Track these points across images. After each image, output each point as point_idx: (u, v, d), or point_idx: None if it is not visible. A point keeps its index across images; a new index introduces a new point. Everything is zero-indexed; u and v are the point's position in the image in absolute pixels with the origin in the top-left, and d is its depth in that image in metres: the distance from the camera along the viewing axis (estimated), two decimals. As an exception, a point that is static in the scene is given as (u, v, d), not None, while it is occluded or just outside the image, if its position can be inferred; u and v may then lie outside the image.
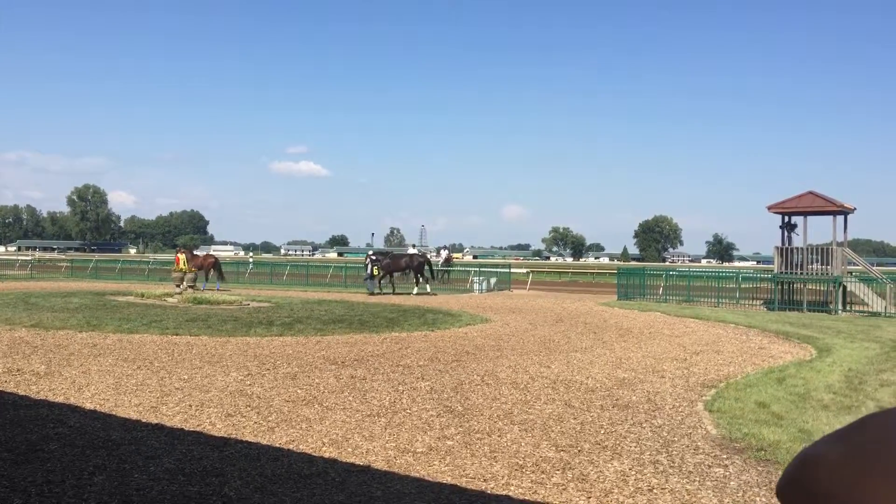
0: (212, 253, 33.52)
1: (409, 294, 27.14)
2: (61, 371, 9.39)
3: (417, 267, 27.82)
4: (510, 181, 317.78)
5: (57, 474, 5.20)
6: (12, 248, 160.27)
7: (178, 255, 27.16)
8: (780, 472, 0.68)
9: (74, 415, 7.06)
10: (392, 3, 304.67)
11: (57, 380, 8.80)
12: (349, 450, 6.09)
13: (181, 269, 23.91)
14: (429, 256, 41.60)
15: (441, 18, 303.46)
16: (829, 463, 0.62)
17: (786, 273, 23.85)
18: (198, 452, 5.86)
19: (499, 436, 6.67)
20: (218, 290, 26.45)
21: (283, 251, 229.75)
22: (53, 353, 10.95)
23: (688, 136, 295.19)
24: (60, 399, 7.76)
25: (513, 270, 39.14)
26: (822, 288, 24.21)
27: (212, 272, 28.23)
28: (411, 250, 42.42)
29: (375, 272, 27.45)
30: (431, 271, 29.16)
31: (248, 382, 8.94)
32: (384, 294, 26.96)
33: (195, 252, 29.91)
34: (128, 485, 5.03)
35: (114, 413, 7.19)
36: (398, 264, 27.88)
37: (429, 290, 28.05)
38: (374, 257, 27.99)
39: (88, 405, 7.51)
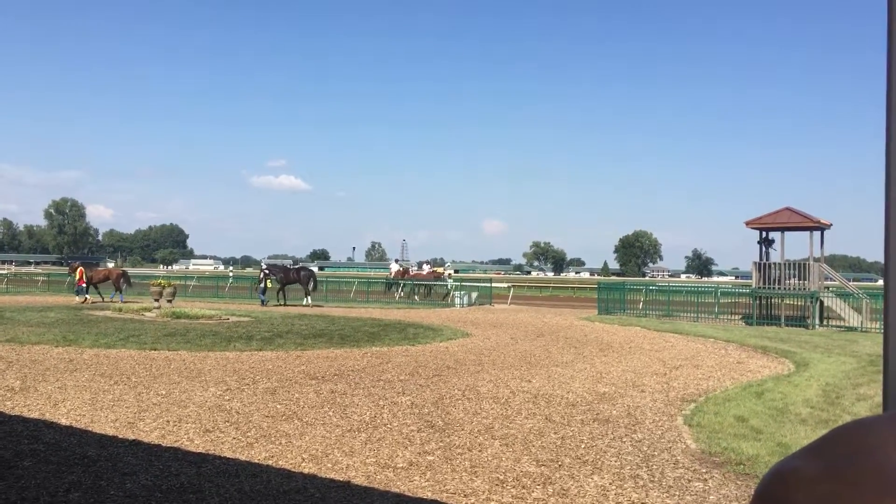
0: (117, 266, 33.85)
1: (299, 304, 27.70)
2: (37, 386, 9.26)
3: (303, 279, 29.60)
4: (490, 196, 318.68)
5: (31, 491, 5.11)
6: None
7: (79, 268, 27.51)
8: (756, 485, 0.68)
9: (50, 431, 6.96)
10: (372, 18, 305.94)
11: (32, 395, 8.67)
12: (329, 465, 6.05)
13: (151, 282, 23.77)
14: (411, 271, 41.59)
15: (421, 32, 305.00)
16: (803, 478, 0.62)
17: (764, 288, 24.09)
18: (175, 469, 5.80)
19: (479, 451, 6.66)
20: (122, 301, 26.72)
21: (263, 265, 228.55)
22: (29, 368, 10.79)
23: (667, 151, 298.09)
24: (35, 415, 7.65)
25: (494, 285, 39.14)
26: (799, 303, 24.46)
27: (121, 283, 28.53)
28: (394, 265, 42.42)
29: (269, 284, 29.15)
30: (314, 284, 30.69)
31: (227, 398, 8.86)
32: (280, 305, 28.14)
33: (88, 265, 30.14)
34: (104, 502, 4.96)
35: (90, 429, 7.09)
36: (288, 277, 29.82)
37: (309, 302, 29.11)
38: (267, 271, 29.84)
39: (64, 421, 7.41)
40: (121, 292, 27.95)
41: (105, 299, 27.49)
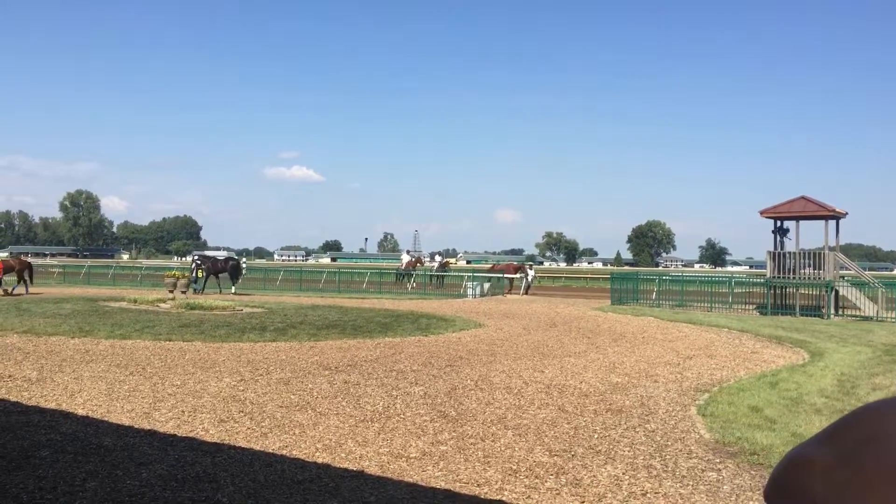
0: (24, 258, 33.81)
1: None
2: (53, 377, 9.35)
3: (231, 269, 31.59)
4: (503, 186, 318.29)
5: (49, 481, 5.17)
6: (4, 254, 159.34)
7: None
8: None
9: (66, 421, 7.03)
10: (385, 7, 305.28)
11: (49, 386, 8.76)
12: (342, 455, 6.08)
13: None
14: (425, 262, 41.70)
15: (434, 22, 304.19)
16: (817, 467, 0.62)
17: (778, 278, 23.94)
18: (190, 458, 5.84)
19: (492, 441, 6.67)
20: (26, 293, 26.38)
21: (276, 256, 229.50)
22: (45, 359, 10.89)
23: (681, 140, 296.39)
24: (52, 405, 7.72)
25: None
26: (814, 292, 24.30)
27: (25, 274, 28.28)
28: (405, 256, 42.53)
29: (200, 274, 30.94)
30: (239, 274, 32.45)
31: (242, 388, 8.91)
32: (208, 293, 29.09)
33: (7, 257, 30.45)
34: (120, 491, 5.01)
35: (106, 419, 7.16)
36: (216, 267, 31.82)
37: (233, 291, 30.60)
38: (198, 261, 31.82)
39: (80, 411, 7.47)
40: (26, 283, 27.63)
41: (9, 291, 26.87)
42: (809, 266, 23.54)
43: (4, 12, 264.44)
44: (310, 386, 9.14)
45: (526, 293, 34.42)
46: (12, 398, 8.03)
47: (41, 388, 8.65)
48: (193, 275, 30.60)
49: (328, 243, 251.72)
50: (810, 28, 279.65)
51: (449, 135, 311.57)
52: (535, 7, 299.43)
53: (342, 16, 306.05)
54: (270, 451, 6.16)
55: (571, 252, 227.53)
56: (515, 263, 40.88)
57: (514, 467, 5.85)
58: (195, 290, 29.82)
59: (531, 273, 36.60)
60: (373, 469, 5.71)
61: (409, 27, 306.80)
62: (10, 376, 9.33)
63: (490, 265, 41.08)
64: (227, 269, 31.24)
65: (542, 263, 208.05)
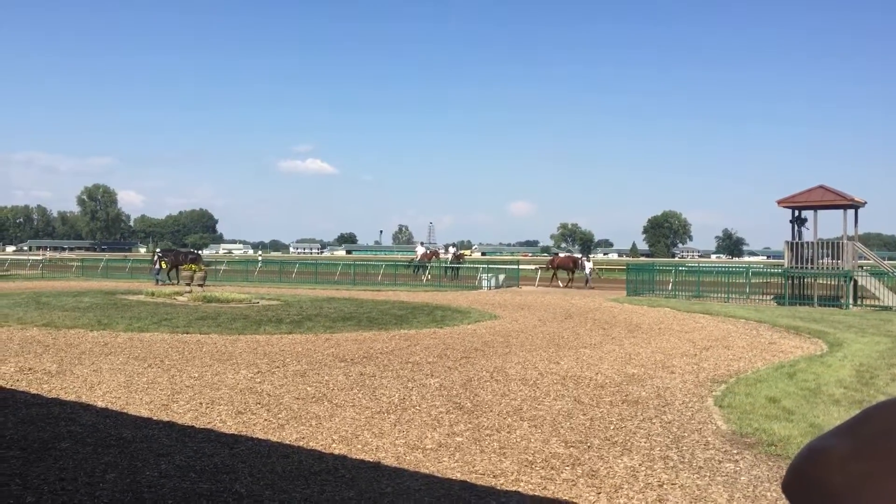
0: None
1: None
2: (73, 370, 9.45)
3: (192, 261, 32.92)
4: (517, 178, 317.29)
5: (69, 472, 5.23)
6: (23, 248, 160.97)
7: None
8: (789, 467, 0.68)
9: (86, 413, 7.10)
10: (397, 1, 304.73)
11: (69, 378, 8.86)
12: (359, 447, 6.11)
13: (194, 268, 24.13)
14: (440, 255, 41.81)
15: (446, 15, 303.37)
16: (836, 458, 0.61)
17: (796, 268, 23.74)
18: (209, 450, 5.89)
19: (508, 432, 6.67)
20: None
21: (291, 249, 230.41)
22: (65, 351, 11.01)
23: (697, 130, 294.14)
24: (72, 397, 7.81)
25: (521, 267, 39.08)
26: (832, 282, 24.07)
27: None
28: (420, 248, 42.63)
29: (164, 265, 33.02)
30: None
31: (258, 380, 8.97)
32: (170, 283, 30.41)
33: None
34: (139, 482, 5.06)
35: (125, 411, 7.23)
36: (177, 260, 33.63)
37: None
38: (160, 254, 34.27)
39: (100, 403, 7.55)
40: None
41: None
42: (828, 256, 23.32)
43: (20, 11, 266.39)
44: (326, 378, 9.18)
45: (586, 285, 33.83)
46: (33, 390, 8.13)
47: (61, 380, 8.74)
48: (157, 266, 33.18)
49: (343, 236, 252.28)
50: (827, 17, 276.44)
51: (463, 127, 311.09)
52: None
53: (354, 10, 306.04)
54: (287, 442, 6.20)
55: (587, 243, 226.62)
56: (575, 256, 40.23)
57: (530, 459, 5.85)
58: (158, 280, 32.04)
59: (588, 265, 35.56)
60: (389, 460, 5.73)
61: (420, 22, 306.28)
62: (30, 369, 9.44)
63: (550, 258, 40.91)
64: (188, 262, 32.82)
65: (556, 255, 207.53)
